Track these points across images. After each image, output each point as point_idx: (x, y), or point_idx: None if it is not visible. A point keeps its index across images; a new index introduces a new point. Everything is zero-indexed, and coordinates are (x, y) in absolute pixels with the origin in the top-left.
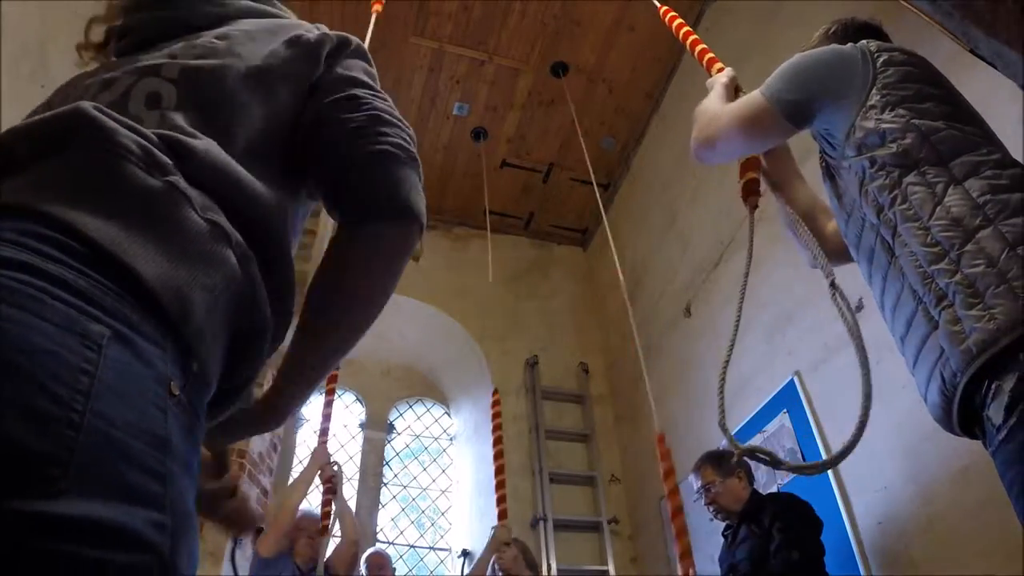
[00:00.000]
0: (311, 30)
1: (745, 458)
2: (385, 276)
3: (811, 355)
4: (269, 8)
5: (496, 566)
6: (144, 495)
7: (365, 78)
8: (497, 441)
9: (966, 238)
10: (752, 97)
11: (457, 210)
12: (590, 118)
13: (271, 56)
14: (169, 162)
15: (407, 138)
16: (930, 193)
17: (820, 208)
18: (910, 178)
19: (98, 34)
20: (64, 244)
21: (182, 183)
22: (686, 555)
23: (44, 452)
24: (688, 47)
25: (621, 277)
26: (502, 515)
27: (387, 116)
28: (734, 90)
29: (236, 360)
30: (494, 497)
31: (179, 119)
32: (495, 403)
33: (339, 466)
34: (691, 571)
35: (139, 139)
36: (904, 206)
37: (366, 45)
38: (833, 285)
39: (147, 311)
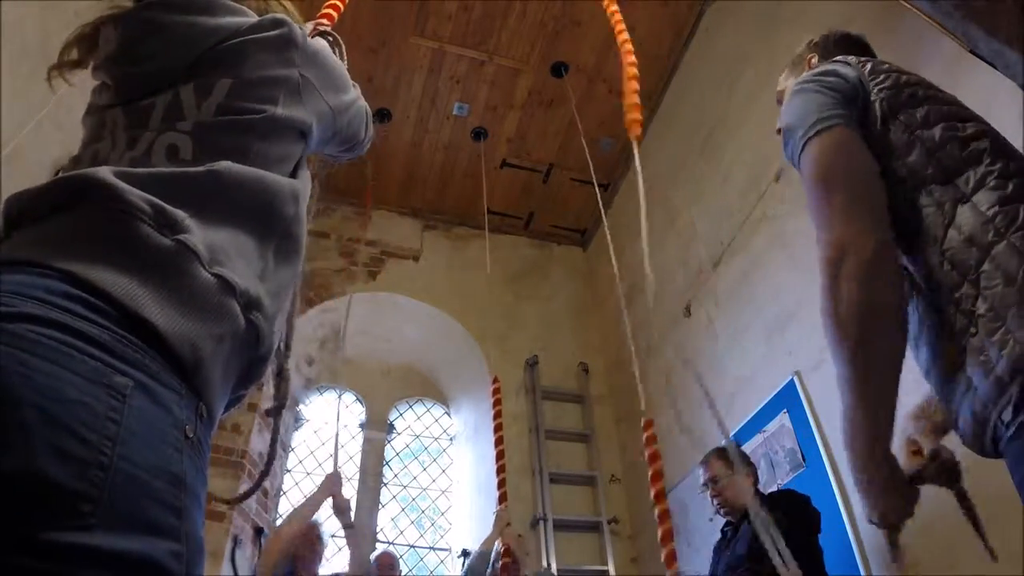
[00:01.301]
0: (274, 24)
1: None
2: None
3: (811, 355)
4: (228, 20)
5: (496, 564)
6: (164, 528)
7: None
8: (498, 428)
9: (982, 256)
10: (806, 155)
11: (457, 210)
12: (590, 118)
13: (256, 70)
14: (180, 219)
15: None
16: (939, 213)
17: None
18: (920, 200)
19: (73, 55)
20: (88, 302)
21: (191, 240)
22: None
23: (78, 490)
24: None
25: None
26: (502, 498)
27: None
28: None
29: (243, 379)
30: (495, 497)
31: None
32: (495, 391)
33: (348, 496)
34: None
35: (150, 198)
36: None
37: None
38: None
39: (165, 362)
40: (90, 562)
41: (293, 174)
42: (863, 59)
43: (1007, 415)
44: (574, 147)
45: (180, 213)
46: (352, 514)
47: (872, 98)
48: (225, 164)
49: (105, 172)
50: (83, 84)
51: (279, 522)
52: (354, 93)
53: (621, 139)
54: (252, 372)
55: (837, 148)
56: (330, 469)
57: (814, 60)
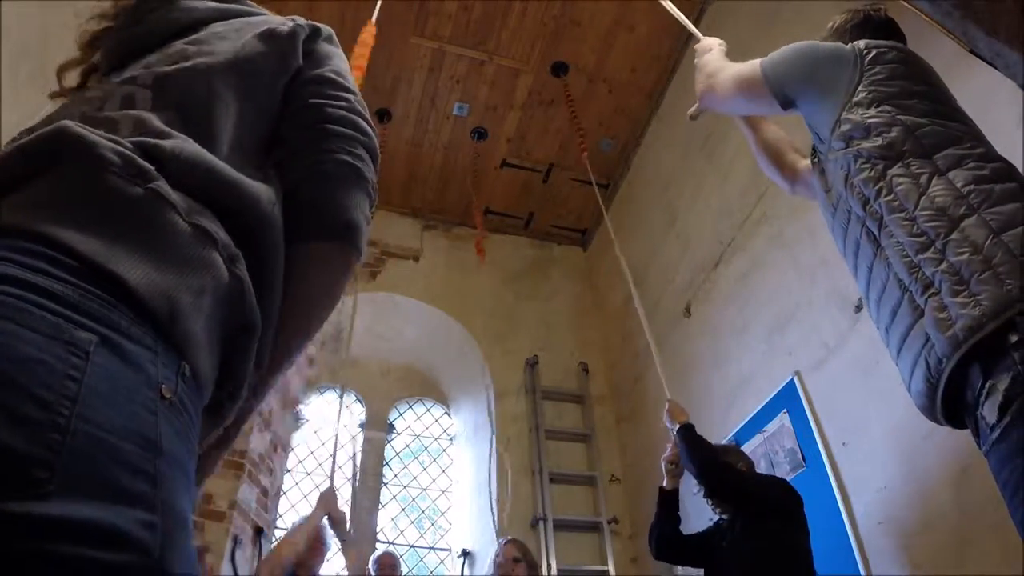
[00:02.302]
0: (285, 23)
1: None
2: (321, 293)
3: (811, 355)
4: (238, 7)
5: (496, 568)
6: (133, 495)
7: (337, 77)
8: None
9: (951, 227)
10: (752, 63)
11: (457, 210)
12: (590, 118)
13: (244, 51)
14: (151, 168)
15: (367, 150)
16: (914, 184)
17: (787, 143)
18: (895, 170)
19: (72, 79)
20: (52, 257)
21: (165, 187)
22: None
23: (31, 455)
24: None
25: (628, 274)
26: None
27: (346, 127)
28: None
29: (229, 360)
30: (495, 497)
31: (153, 120)
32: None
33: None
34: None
35: (119, 148)
36: (889, 197)
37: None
38: None
39: (136, 316)
40: (46, 533)
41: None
42: (873, 45)
43: (991, 416)
44: (574, 147)
45: (150, 165)
46: (348, 526)
47: (862, 86)
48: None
49: (70, 124)
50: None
51: (278, 524)
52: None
53: (621, 139)
54: (239, 347)
55: (755, 83)
56: (330, 469)
57: None
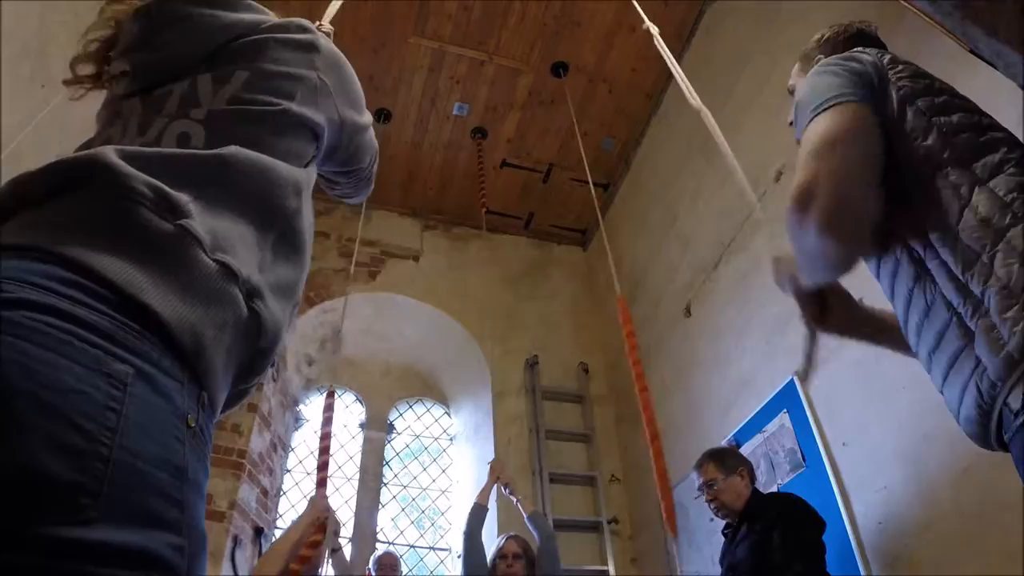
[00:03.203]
0: (301, 28)
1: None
2: None
3: None
4: (249, 16)
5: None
6: (165, 521)
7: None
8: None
9: (997, 238)
10: (813, 123)
11: (457, 210)
12: (590, 118)
13: (274, 65)
14: (182, 204)
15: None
16: (955, 195)
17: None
18: (936, 183)
19: (87, 68)
20: (87, 288)
21: (192, 225)
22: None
23: (77, 483)
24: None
25: (613, 268)
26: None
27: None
28: None
29: (239, 377)
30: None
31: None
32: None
33: (336, 519)
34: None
35: (153, 182)
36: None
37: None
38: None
39: (166, 349)
40: (89, 557)
41: None
42: (882, 52)
43: (1015, 402)
44: (574, 147)
45: (183, 197)
46: (338, 537)
47: (890, 86)
48: (233, 148)
49: (109, 152)
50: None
51: (278, 524)
52: (368, 119)
53: (621, 139)
54: (254, 364)
55: (851, 119)
56: (331, 470)
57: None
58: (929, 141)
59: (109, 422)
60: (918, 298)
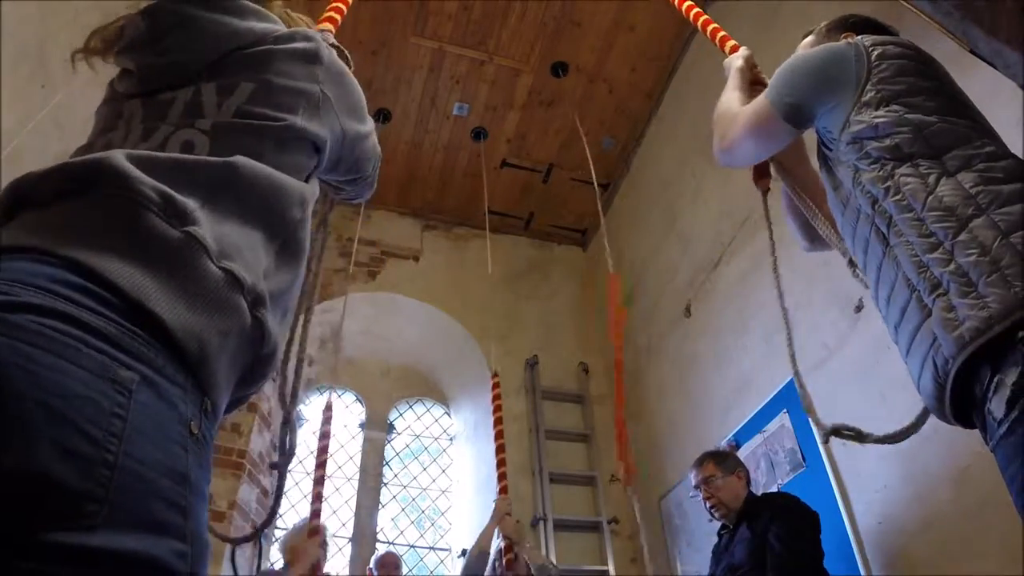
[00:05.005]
0: (306, 39)
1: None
2: None
3: (811, 355)
4: (260, 26)
5: (496, 565)
6: (169, 527)
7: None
8: (497, 422)
9: (959, 227)
10: (758, 102)
11: (457, 210)
12: (590, 118)
13: (280, 78)
14: (189, 210)
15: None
16: (922, 184)
17: (823, 191)
18: (903, 170)
19: (97, 43)
20: (93, 292)
21: (200, 232)
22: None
23: (83, 490)
24: (700, 26)
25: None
26: (503, 491)
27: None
28: (750, 69)
29: (241, 384)
30: (495, 495)
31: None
32: (495, 386)
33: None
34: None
35: (161, 187)
36: (897, 197)
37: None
38: (851, 263)
39: (170, 355)
40: (94, 563)
41: None
42: (877, 42)
43: (998, 411)
44: (574, 147)
45: (190, 203)
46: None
47: (870, 85)
48: (242, 158)
49: (118, 155)
50: (84, 85)
51: (278, 524)
52: (370, 126)
53: (621, 139)
54: (256, 372)
55: (767, 119)
56: (331, 470)
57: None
58: (901, 134)
59: (115, 429)
60: (885, 274)
